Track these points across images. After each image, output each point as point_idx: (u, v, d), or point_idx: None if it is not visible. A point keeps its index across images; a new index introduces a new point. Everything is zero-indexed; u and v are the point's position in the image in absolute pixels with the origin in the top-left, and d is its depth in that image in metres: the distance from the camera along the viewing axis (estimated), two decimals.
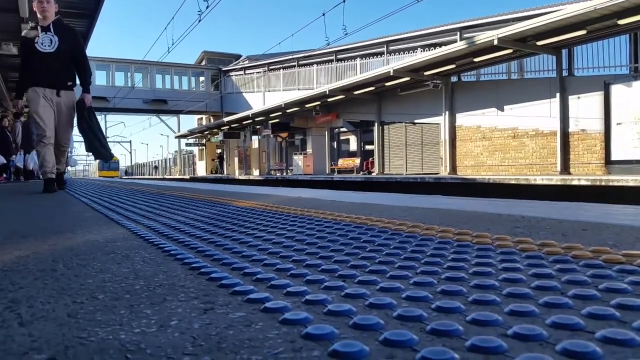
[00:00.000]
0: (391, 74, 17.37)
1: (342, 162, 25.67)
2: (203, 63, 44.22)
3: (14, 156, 13.00)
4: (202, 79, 41.82)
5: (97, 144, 5.73)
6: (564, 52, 14.73)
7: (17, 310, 0.80)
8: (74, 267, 1.15)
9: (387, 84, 19.00)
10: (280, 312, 0.74)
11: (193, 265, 1.11)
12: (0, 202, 4.08)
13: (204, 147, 41.11)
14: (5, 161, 12.62)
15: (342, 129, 26.80)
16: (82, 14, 10.52)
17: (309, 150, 27.68)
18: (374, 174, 21.05)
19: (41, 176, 5.58)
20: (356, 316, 0.71)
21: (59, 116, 5.53)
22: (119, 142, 49.70)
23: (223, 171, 36.05)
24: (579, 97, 14.12)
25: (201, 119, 46.31)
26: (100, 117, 49.23)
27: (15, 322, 0.73)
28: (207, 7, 20.63)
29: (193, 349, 0.60)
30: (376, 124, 22.02)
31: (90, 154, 5.99)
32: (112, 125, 71.09)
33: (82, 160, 66.32)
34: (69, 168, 19.80)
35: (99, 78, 38.09)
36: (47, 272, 1.10)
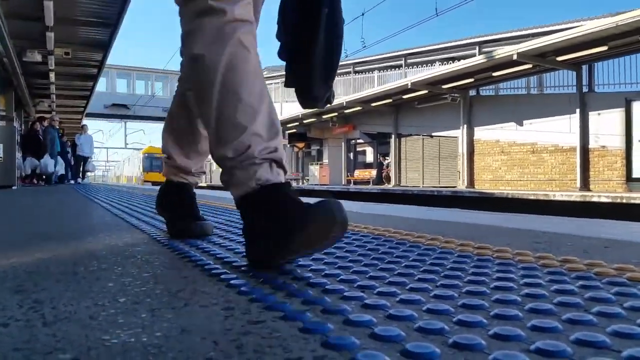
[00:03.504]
0: (409, 87, 17.39)
1: (359, 174, 25.66)
2: None
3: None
4: None
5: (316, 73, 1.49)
6: (584, 67, 14.60)
7: (41, 310, 0.81)
8: (94, 270, 1.17)
9: (405, 96, 19.01)
10: (300, 320, 0.74)
11: (212, 271, 1.11)
12: (22, 204, 4.16)
13: None
14: (38, 163, 12.83)
15: (358, 140, 26.82)
16: (104, 23, 10.72)
17: (326, 160, 27.73)
18: (389, 186, 20.98)
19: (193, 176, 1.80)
20: (376, 327, 0.70)
21: None
22: (139, 149, 48.54)
23: None
24: (599, 114, 13.96)
25: None
26: (120, 125, 49.37)
27: (39, 322, 0.74)
28: None
29: (214, 353, 0.60)
30: (393, 136, 21.99)
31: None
32: (132, 133, 71.76)
33: (100, 164, 66.55)
34: (88, 173, 19.95)
35: (120, 86, 38.77)
36: (69, 275, 1.11)
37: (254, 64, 1.29)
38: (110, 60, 14.26)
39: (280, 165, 1.25)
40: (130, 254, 1.39)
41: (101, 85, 28.83)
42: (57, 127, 15.07)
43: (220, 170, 1.28)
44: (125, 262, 1.27)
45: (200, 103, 1.31)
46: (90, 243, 1.69)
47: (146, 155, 37.77)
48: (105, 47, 12.24)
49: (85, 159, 16.87)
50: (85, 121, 23.05)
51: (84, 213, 3.13)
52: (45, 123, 14.22)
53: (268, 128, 1.24)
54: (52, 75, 13.64)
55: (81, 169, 17.04)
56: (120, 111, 37.66)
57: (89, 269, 1.18)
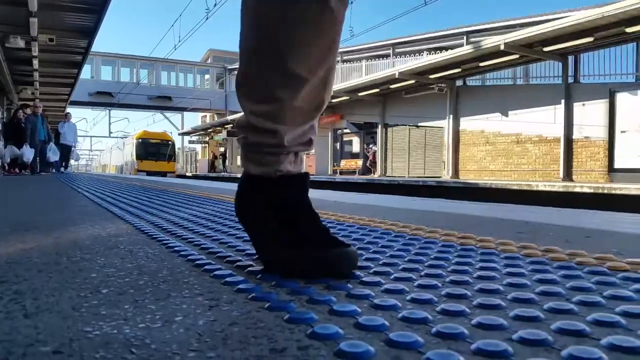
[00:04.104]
0: (396, 77, 17.37)
1: (345, 164, 25.66)
2: (209, 61, 44.31)
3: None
4: (207, 76, 41.90)
5: None
6: (571, 58, 14.69)
7: (22, 302, 0.80)
8: (77, 260, 1.16)
9: (392, 86, 18.99)
10: (285, 310, 0.74)
11: (197, 262, 1.11)
12: (8, 192, 4.10)
13: (207, 145, 41.11)
14: (18, 152, 12.60)
15: (345, 130, 26.80)
16: (90, 9, 10.53)
17: (312, 150, 27.67)
18: (375, 176, 21.04)
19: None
20: (361, 317, 0.70)
21: None
22: (122, 137, 47.02)
23: (226, 169, 36.05)
24: (583, 104, 14.08)
25: (205, 116, 46.33)
26: (104, 113, 48.42)
27: (20, 313, 0.73)
28: (215, 4, 20.70)
29: (198, 345, 0.60)
30: (380, 126, 22.00)
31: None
32: (116, 121, 70.88)
33: (84, 154, 65.75)
34: (72, 162, 19.70)
35: (105, 73, 38.24)
36: (51, 265, 1.10)
37: (324, 21, 0.97)
38: (95, 47, 14.04)
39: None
40: (114, 244, 1.38)
41: (85, 72, 28.25)
42: (40, 113, 14.81)
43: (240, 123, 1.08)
44: (108, 252, 1.26)
45: (241, 51, 1.03)
46: (73, 233, 1.67)
47: (140, 140, 31.52)
48: (90, 33, 12.03)
49: (68, 148, 16.64)
50: (69, 109, 22.72)
51: (67, 203, 3.10)
52: (28, 111, 13.95)
53: (311, 100, 1.03)
54: (35, 62, 13.39)
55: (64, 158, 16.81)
56: (104, 99, 37.15)
57: (71, 260, 1.16)
